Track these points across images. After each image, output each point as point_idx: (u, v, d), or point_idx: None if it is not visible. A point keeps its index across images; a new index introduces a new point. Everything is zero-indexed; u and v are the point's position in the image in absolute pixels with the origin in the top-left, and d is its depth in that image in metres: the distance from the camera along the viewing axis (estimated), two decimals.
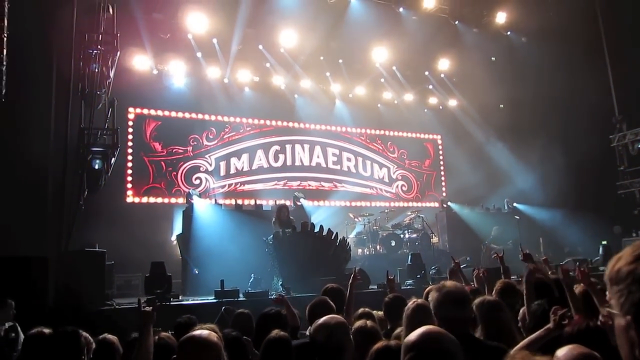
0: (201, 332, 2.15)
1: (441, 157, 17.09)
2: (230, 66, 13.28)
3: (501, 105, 15.77)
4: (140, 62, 12.22)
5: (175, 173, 12.85)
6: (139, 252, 10.09)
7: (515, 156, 15.13)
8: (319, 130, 15.16)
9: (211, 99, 13.33)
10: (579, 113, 13.57)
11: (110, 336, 3.55)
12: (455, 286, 2.73)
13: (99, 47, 8.88)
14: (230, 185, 13.62)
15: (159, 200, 12.49)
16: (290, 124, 14.76)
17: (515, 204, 14.45)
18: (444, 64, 15.30)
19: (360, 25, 13.01)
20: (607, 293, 3.57)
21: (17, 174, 8.47)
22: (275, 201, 12.22)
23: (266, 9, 12.18)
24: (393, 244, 12.58)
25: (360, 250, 13.01)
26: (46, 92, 9.23)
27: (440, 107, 16.86)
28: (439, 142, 17.19)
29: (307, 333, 4.13)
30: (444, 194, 16.26)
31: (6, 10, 7.07)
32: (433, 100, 16.65)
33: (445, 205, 14.18)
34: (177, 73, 12.88)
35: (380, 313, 4.05)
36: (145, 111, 12.72)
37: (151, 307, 2.88)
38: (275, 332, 3.08)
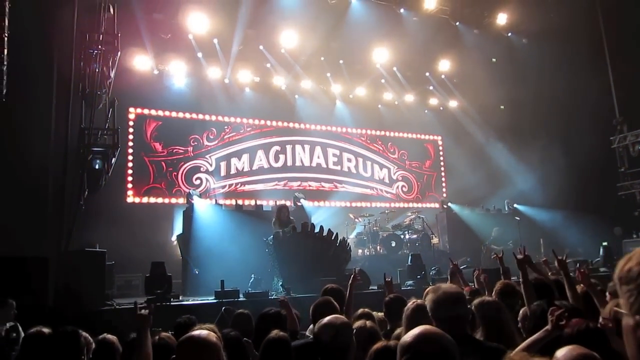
0: (200, 332, 2.15)
1: (441, 158, 17.09)
2: (231, 66, 13.29)
3: (502, 107, 15.77)
4: (140, 62, 12.22)
5: (175, 173, 12.85)
6: (139, 252, 10.09)
7: (516, 157, 15.14)
8: (320, 131, 15.17)
9: (212, 99, 13.34)
10: (579, 114, 13.57)
11: (110, 336, 3.55)
12: (450, 287, 2.74)
13: (99, 47, 8.87)
14: (230, 185, 13.62)
15: (160, 200, 12.50)
16: (291, 125, 14.77)
17: (515, 205, 14.44)
18: (444, 65, 15.31)
19: (361, 25, 13.01)
20: (607, 294, 3.57)
21: (17, 174, 8.48)
22: (276, 201, 12.22)
23: (267, 9, 12.18)
24: (393, 244, 12.58)
25: (360, 251, 13.00)
26: (47, 92, 9.24)
27: (441, 108, 16.87)
28: (440, 143, 17.19)
29: (308, 333, 4.15)
30: (445, 195, 16.25)
31: (7, 10, 7.08)
32: (434, 101, 16.66)
33: (445, 206, 14.17)
34: (178, 73, 12.89)
35: (380, 314, 4.05)
36: (146, 111, 12.72)
37: (147, 311, 2.88)
38: (275, 333, 3.07)
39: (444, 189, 16.74)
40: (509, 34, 15.24)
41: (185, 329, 3.46)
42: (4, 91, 7.83)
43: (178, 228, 11.12)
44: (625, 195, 14.06)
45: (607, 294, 3.64)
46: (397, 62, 14.79)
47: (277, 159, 14.37)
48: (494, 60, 15.11)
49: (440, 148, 17.16)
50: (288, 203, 11.61)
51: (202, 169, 13.27)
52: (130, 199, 12.15)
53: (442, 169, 17.03)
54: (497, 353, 2.33)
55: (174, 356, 2.09)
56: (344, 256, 9.37)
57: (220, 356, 2.08)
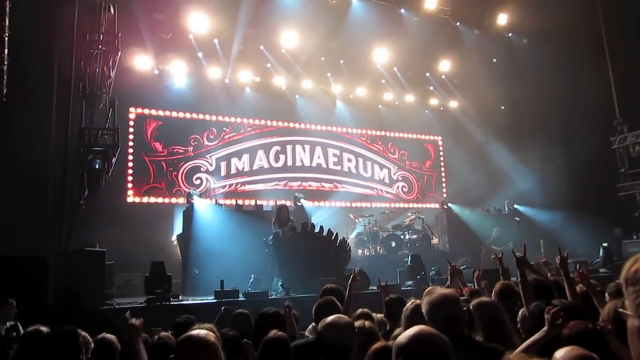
0: (199, 331, 2.15)
1: (442, 158, 17.09)
2: (231, 66, 13.30)
3: (502, 107, 15.77)
4: (141, 62, 12.23)
5: (175, 173, 12.86)
6: (139, 252, 10.11)
7: (516, 158, 15.13)
8: (320, 131, 15.17)
9: (212, 99, 13.35)
10: (580, 115, 13.56)
11: (109, 336, 3.55)
12: (445, 290, 2.74)
13: (100, 46, 8.85)
14: (230, 185, 13.63)
15: (160, 200, 12.50)
16: (291, 125, 14.77)
17: (515, 206, 14.44)
18: (445, 65, 15.30)
19: (361, 26, 13.01)
20: (606, 295, 3.56)
21: (17, 174, 8.48)
22: (276, 201, 12.22)
23: (267, 9, 12.19)
24: (393, 244, 12.58)
25: (360, 251, 13.01)
26: (47, 91, 9.24)
27: (441, 108, 16.87)
28: (440, 143, 17.18)
29: (307, 333, 4.15)
30: (445, 195, 16.25)
31: (7, 9, 7.07)
32: (434, 102, 16.66)
33: (445, 207, 14.18)
34: (178, 73, 12.89)
35: (380, 315, 4.05)
36: (146, 111, 12.73)
37: (139, 320, 2.90)
38: (274, 332, 3.08)
39: (444, 190, 16.74)
40: (510, 34, 15.23)
41: (184, 328, 3.46)
42: (4, 91, 7.83)
43: (178, 228, 11.14)
44: (625, 196, 14.06)
45: (606, 294, 3.63)
46: (398, 62, 14.79)
47: (277, 159, 14.37)
48: (494, 60, 15.10)
49: (441, 148, 17.16)
50: (288, 203, 11.62)
51: (202, 169, 13.28)
52: (130, 199, 12.16)
53: (442, 169, 17.03)
54: (495, 353, 2.33)
55: (173, 356, 2.09)
56: (343, 256, 9.38)
57: (219, 356, 2.07)
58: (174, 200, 12.57)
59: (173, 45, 12.44)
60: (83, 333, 3.37)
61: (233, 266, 8.84)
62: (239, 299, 7.66)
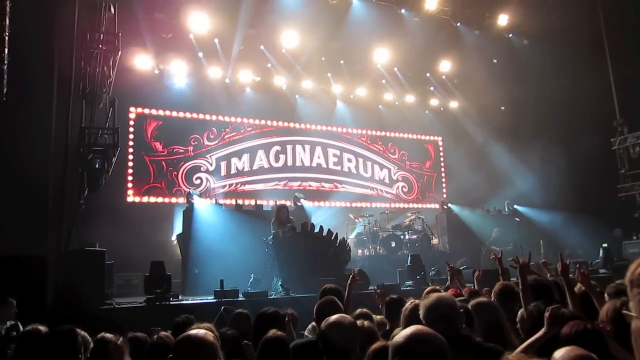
0: (197, 331, 2.14)
1: (442, 159, 17.09)
2: (232, 66, 13.29)
3: (502, 107, 15.77)
4: (141, 61, 12.22)
5: (175, 173, 12.86)
6: (139, 252, 10.10)
7: (516, 158, 15.13)
8: (320, 131, 15.17)
9: (212, 99, 13.34)
10: (580, 116, 13.57)
11: (108, 335, 3.53)
12: (441, 293, 2.74)
13: (100, 46, 8.86)
14: (230, 185, 13.63)
15: (160, 199, 12.50)
16: (291, 125, 14.77)
17: (515, 206, 14.43)
18: (445, 66, 15.30)
19: (361, 26, 13.00)
20: (605, 296, 3.56)
21: (17, 173, 8.47)
22: (276, 201, 12.21)
23: (268, 9, 12.18)
24: (393, 245, 12.58)
25: (360, 251, 13.01)
26: (47, 91, 9.23)
27: (442, 109, 16.87)
28: (440, 143, 17.18)
29: (306, 333, 4.14)
30: (445, 196, 16.25)
31: (8, 9, 7.07)
32: (434, 102, 16.66)
33: (445, 207, 14.17)
34: (179, 73, 12.89)
35: (379, 317, 4.05)
36: (147, 111, 12.72)
37: (122, 341, 2.93)
38: (273, 332, 3.07)
39: (444, 190, 16.74)
40: (510, 35, 15.22)
41: (183, 328, 3.44)
42: (4, 90, 7.83)
43: (178, 227, 11.13)
44: (625, 196, 14.06)
45: (605, 295, 3.63)
46: (398, 63, 14.79)
47: (277, 159, 14.37)
48: (494, 61, 15.10)
49: (441, 149, 17.16)
50: (288, 203, 11.61)
51: (202, 169, 13.28)
52: (130, 199, 12.16)
53: (443, 169, 17.03)
54: (494, 353, 2.33)
55: (171, 355, 2.08)
56: (343, 256, 9.37)
57: (218, 355, 2.07)
58: (174, 200, 12.57)
59: (173, 45, 12.44)
60: (82, 333, 3.36)
61: (233, 266, 8.83)
62: (238, 299, 7.65)
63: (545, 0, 14.02)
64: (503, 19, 14.33)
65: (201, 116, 13.45)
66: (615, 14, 13.67)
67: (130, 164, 12.26)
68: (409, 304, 3.22)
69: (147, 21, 11.52)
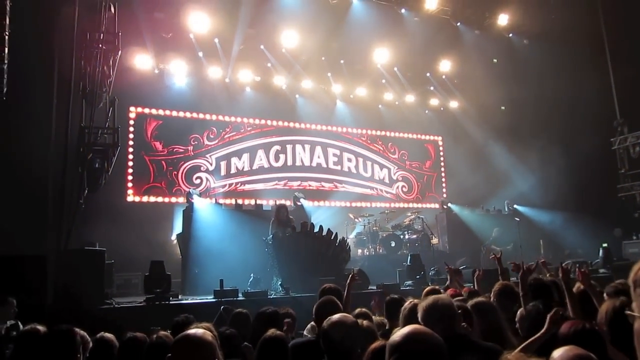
0: (195, 330, 2.13)
1: (442, 159, 17.08)
2: (232, 66, 13.29)
3: (502, 107, 15.76)
4: (141, 61, 12.22)
5: (175, 172, 12.86)
6: (138, 251, 10.09)
7: (516, 158, 15.12)
8: (320, 131, 15.16)
9: (212, 98, 13.34)
10: (580, 115, 13.55)
11: (108, 335, 3.53)
12: (440, 293, 2.73)
13: (100, 45, 8.86)
14: (230, 184, 13.63)
15: (160, 199, 12.50)
16: (291, 124, 14.77)
17: (515, 206, 14.44)
18: (445, 66, 15.29)
19: (361, 25, 13.00)
20: (604, 295, 3.56)
21: (17, 173, 8.48)
22: (276, 201, 12.21)
23: (268, 9, 12.19)
24: (393, 244, 12.58)
25: (360, 251, 13.01)
26: (47, 90, 9.24)
27: (441, 109, 16.87)
28: (440, 143, 17.18)
29: (305, 333, 4.14)
30: (445, 195, 16.25)
31: (8, 8, 7.07)
32: (434, 102, 16.66)
33: (445, 207, 14.18)
34: (179, 72, 12.89)
35: (379, 318, 4.04)
36: (147, 110, 12.72)
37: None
38: (271, 332, 3.07)
39: (444, 190, 16.73)
40: (510, 35, 15.22)
41: (182, 327, 3.44)
42: (4, 90, 7.82)
43: (178, 227, 11.14)
44: (625, 196, 14.06)
45: (604, 295, 3.63)
46: (398, 62, 14.78)
47: (277, 159, 14.37)
48: (494, 60, 15.10)
49: (441, 148, 17.16)
50: (288, 203, 11.61)
51: (202, 168, 13.28)
52: (130, 198, 12.16)
53: (442, 169, 17.02)
54: (493, 353, 2.33)
55: (170, 355, 2.08)
56: (343, 256, 9.37)
57: (216, 355, 2.06)
58: (173, 199, 12.57)
59: (173, 45, 12.44)
60: (81, 332, 3.36)
61: (233, 266, 8.83)
62: (238, 299, 7.65)
63: (546, 0, 14.02)
64: (503, 19, 14.34)
65: (201, 116, 13.45)
66: (615, 13, 13.65)
67: (130, 163, 12.26)
68: (407, 303, 3.22)
69: (147, 21, 11.51)
